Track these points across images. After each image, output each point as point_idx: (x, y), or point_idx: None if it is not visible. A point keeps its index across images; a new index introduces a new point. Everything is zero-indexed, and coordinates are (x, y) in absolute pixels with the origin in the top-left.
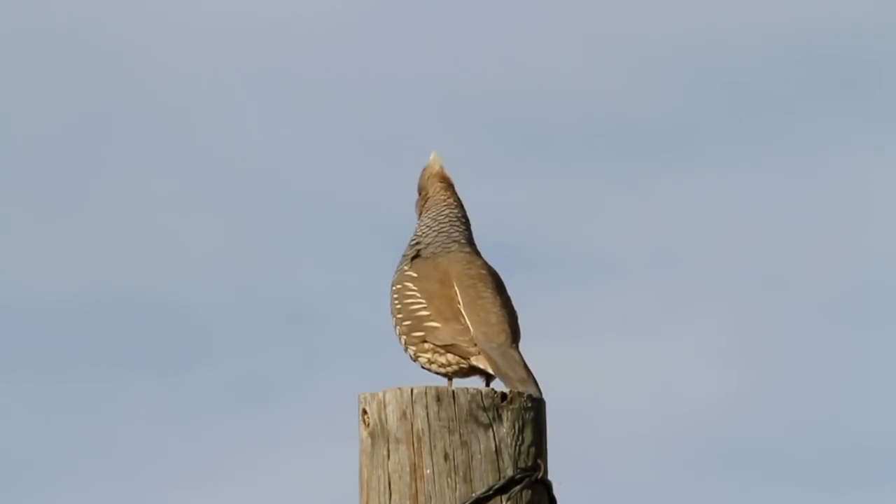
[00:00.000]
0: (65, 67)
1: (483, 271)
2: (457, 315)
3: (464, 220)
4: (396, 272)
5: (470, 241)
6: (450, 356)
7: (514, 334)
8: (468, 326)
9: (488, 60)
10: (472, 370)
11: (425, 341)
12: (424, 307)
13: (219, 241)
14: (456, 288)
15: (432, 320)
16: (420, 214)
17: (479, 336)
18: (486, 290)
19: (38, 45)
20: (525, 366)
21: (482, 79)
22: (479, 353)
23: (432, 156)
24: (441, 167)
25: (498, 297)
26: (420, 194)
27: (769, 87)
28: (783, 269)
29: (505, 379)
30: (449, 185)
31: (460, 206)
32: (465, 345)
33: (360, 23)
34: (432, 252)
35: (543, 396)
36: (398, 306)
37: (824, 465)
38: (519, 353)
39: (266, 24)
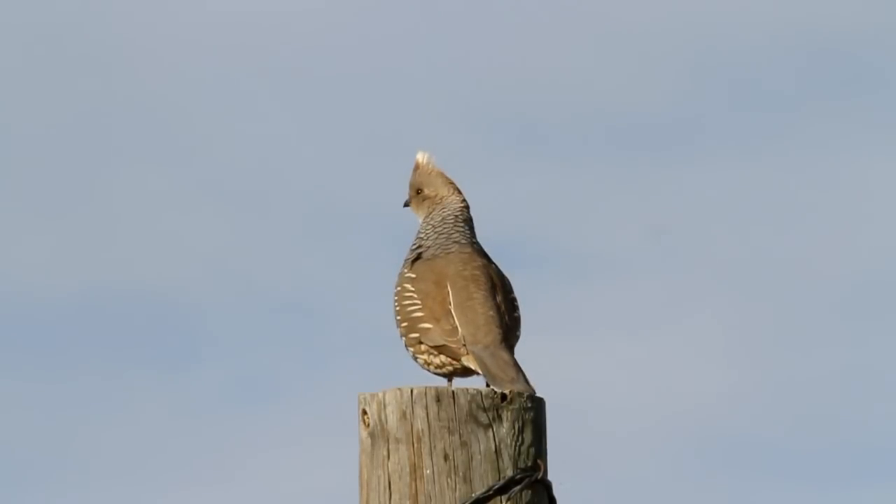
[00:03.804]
0: (64, 65)
1: (478, 272)
2: (447, 316)
3: (469, 221)
4: (398, 275)
5: (472, 241)
6: (443, 357)
7: (506, 335)
8: (456, 327)
9: (488, 57)
10: (468, 371)
11: (421, 342)
12: (419, 308)
13: (220, 239)
14: (449, 289)
15: (425, 321)
16: (427, 214)
17: (468, 337)
18: (477, 291)
19: (37, 41)
20: (515, 365)
21: (482, 75)
22: (468, 354)
23: (424, 155)
24: (437, 165)
25: (490, 298)
26: (417, 193)
27: (771, 84)
28: (784, 265)
29: (494, 380)
30: (456, 186)
31: (468, 206)
32: (454, 346)
33: (361, 20)
34: (433, 254)
35: (541, 395)
36: (397, 308)
37: (825, 462)
38: (509, 353)
39: (267, 21)
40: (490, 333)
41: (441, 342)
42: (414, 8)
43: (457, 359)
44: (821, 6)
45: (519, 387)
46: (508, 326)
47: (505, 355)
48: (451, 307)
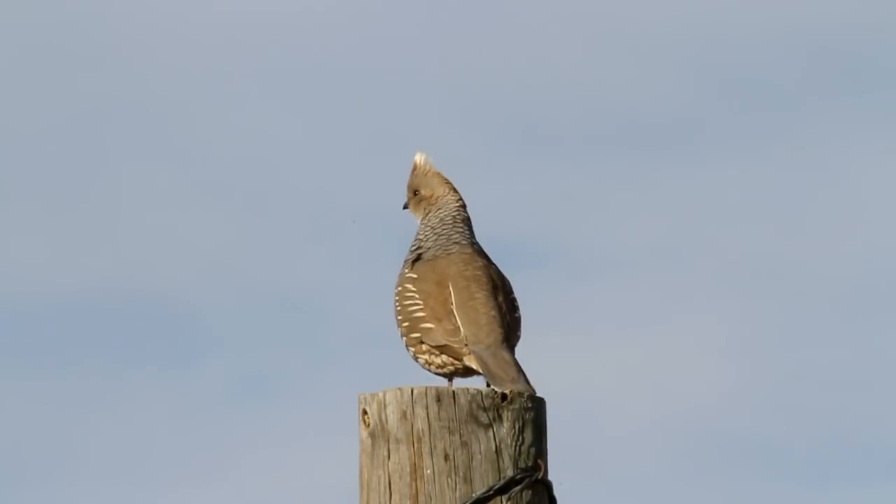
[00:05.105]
0: (67, 63)
1: (479, 272)
2: (449, 316)
3: (467, 221)
4: (398, 275)
5: (472, 242)
6: (444, 357)
7: (507, 335)
8: (458, 327)
9: (489, 56)
10: (469, 370)
11: (422, 342)
12: (421, 308)
13: (221, 238)
14: (451, 289)
15: (427, 321)
16: (424, 215)
17: (470, 337)
18: (479, 291)
19: (39, 39)
20: (516, 365)
21: (483, 75)
22: (469, 354)
23: (422, 156)
24: (434, 166)
25: (492, 299)
26: (415, 194)
27: (772, 83)
28: (785, 264)
29: (495, 379)
30: (452, 185)
31: (464, 205)
32: (457, 345)
33: (362, 19)
34: (433, 254)
35: (541, 395)
36: (398, 308)
37: (825, 460)
38: (510, 353)
39: (268, 20)
40: (492, 333)
41: (443, 342)
42: (415, 7)
43: (458, 358)
44: (821, 5)
45: (520, 387)
46: (509, 326)
47: (506, 355)
48: (454, 307)
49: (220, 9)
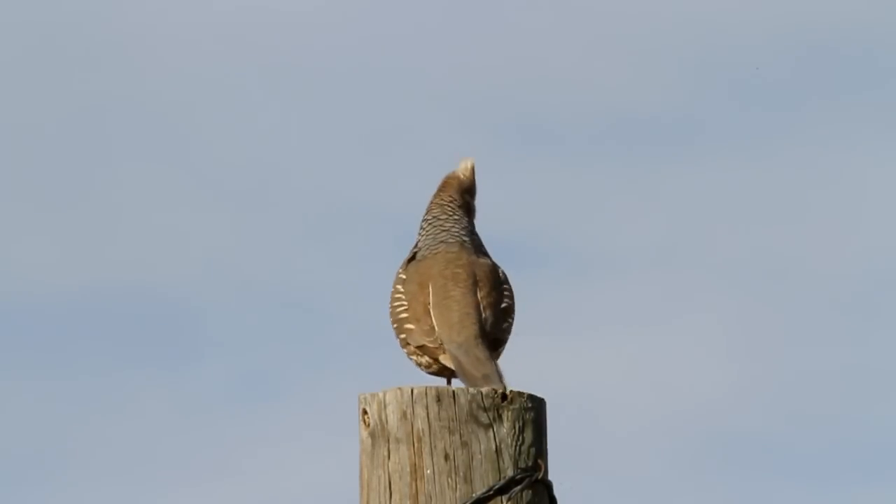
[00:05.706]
0: (65, 61)
1: (459, 270)
2: (426, 316)
3: (458, 220)
4: (395, 274)
5: (461, 241)
6: (427, 357)
7: (483, 331)
8: (433, 327)
9: (491, 55)
10: (447, 370)
11: (409, 343)
12: (405, 309)
13: (220, 237)
14: (430, 289)
15: (409, 322)
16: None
17: (443, 335)
18: (455, 289)
19: (38, 37)
20: (490, 361)
21: (484, 74)
22: (445, 353)
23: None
24: (460, 169)
25: (469, 296)
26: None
27: (774, 82)
28: (788, 263)
29: (467, 377)
30: (452, 185)
31: (460, 205)
32: (432, 345)
33: (362, 17)
34: (422, 254)
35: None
36: (389, 309)
37: (829, 460)
38: (485, 349)
39: (268, 18)
40: (464, 331)
41: (421, 342)
42: (414, 7)
43: (435, 358)
44: (820, 5)
45: (493, 384)
46: (491, 322)
47: (479, 352)
48: (430, 307)
49: (219, 9)
